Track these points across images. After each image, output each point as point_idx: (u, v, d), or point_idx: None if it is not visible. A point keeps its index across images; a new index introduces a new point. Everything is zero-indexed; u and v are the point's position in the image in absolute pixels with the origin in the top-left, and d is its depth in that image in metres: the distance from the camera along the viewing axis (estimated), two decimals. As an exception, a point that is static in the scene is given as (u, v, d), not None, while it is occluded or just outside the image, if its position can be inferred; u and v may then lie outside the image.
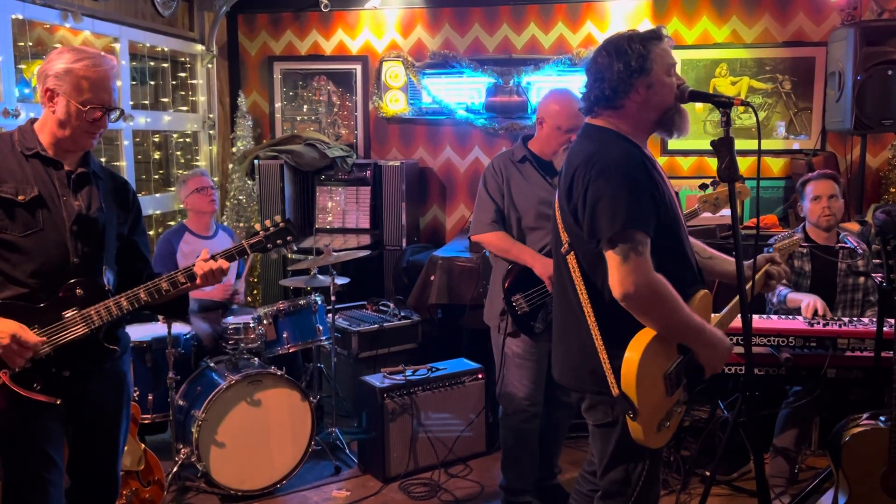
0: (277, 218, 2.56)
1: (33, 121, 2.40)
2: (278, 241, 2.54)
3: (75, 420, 2.41)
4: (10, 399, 2.24)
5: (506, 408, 3.49)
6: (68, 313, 2.30)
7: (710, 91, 5.21)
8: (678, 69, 5.26)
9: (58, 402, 2.30)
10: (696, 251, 2.55)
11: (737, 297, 2.48)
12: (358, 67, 5.60)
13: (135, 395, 3.87)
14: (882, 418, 2.82)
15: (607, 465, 2.39)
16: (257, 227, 2.55)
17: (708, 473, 3.69)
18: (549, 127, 3.36)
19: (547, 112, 3.38)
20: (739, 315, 2.39)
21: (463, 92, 5.45)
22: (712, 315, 2.47)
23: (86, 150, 2.42)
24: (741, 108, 5.16)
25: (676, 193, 2.51)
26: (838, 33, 4.71)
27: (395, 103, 5.54)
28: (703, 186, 3.41)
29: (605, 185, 2.16)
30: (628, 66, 2.22)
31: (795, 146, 5.19)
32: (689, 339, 2.25)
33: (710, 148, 2.35)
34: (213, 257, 2.47)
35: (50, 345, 2.27)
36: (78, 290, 2.32)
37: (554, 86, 5.27)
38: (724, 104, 2.32)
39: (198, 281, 2.43)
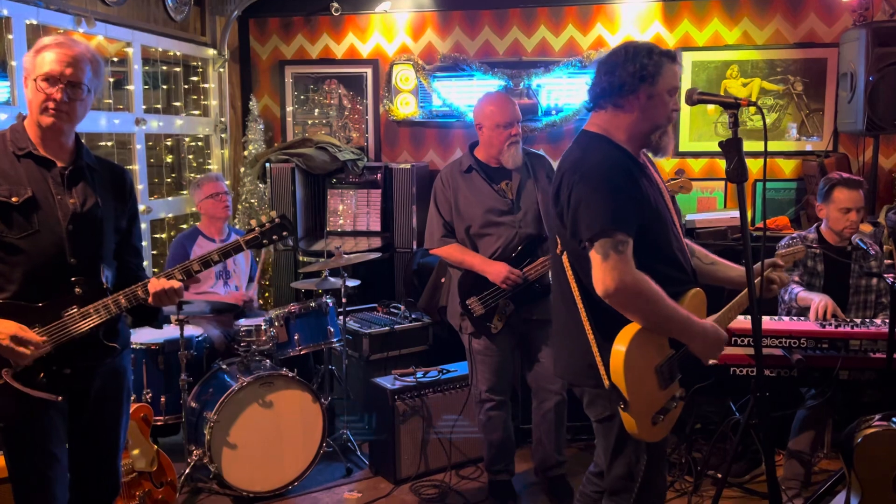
0: (273, 213, 2.58)
1: (24, 118, 2.38)
2: (274, 237, 2.55)
3: (77, 416, 2.43)
4: (12, 397, 2.26)
5: (476, 398, 3.75)
6: (68, 312, 2.31)
7: (722, 93, 5.21)
8: (689, 71, 5.29)
9: (59, 399, 2.32)
10: (697, 256, 2.63)
11: (737, 297, 2.53)
12: (368, 71, 5.62)
13: (147, 396, 3.91)
14: (895, 419, 2.80)
15: (610, 461, 2.45)
16: (253, 223, 2.56)
17: (720, 475, 3.68)
18: (489, 128, 3.55)
19: (483, 115, 3.57)
20: (749, 316, 2.40)
21: (473, 95, 5.41)
22: (713, 316, 2.49)
23: (72, 133, 2.38)
24: (752, 110, 5.17)
25: (673, 196, 2.54)
26: (850, 34, 4.69)
27: (405, 106, 5.55)
28: (679, 172, 3.56)
29: (586, 187, 2.27)
30: (639, 70, 2.31)
31: (808, 147, 5.16)
32: (674, 332, 2.32)
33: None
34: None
35: (51, 343, 2.28)
36: (77, 289, 2.33)
37: (563, 88, 5.35)
38: (731, 105, 2.33)
39: (150, 300, 2.41)
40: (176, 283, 2.41)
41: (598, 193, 2.24)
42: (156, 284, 2.39)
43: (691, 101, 2.42)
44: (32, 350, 2.23)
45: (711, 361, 2.44)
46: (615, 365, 2.23)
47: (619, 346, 2.23)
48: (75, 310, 2.32)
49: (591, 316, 2.33)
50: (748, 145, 5.14)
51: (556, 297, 2.53)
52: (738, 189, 2.36)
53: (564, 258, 2.40)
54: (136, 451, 3.39)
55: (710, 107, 5.16)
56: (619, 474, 2.43)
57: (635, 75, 2.30)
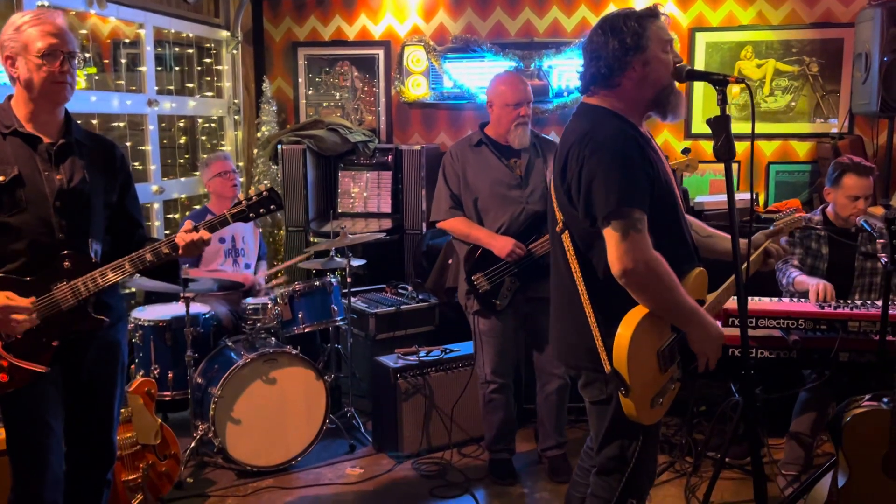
0: (262, 186, 2.59)
1: (10, 97, 2.41)
2: (261, 210, 2.55)
3: (71, 389, 2.48)
4: (4, 369, 2.31)
5: (480, 379, 3.77)
6: (57, 286, 2.36)
7: (735, 73, 5.14)
8: (703, 51, 5.22)
9: (46, 370, 2.35)
10: (694, 229, 2.57)
11: (726, 282, 2.48)
12: (380, 52, 5.63)
13: (155, 372, 3.99)
14: (885, 399, 2.78)
15: (602, 441, 2.41)
16: (241, 196, 2.58)
17: (719, 457, 3.67)
18: (498, 106, 3.61)
19: (494, 93, 3.64)
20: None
21: (484, 76, 5.40)
22: (708, 295, 2.46)
23: (62, 108, 2.41)
24: (766, 91, 5.10)
25: (674, 171, 2.51)
26: (865, 14, 4.60)
27: (416, 88, 5.56)
28: (686, 151, 3.60)
29: (599, 163, 2.17)
30: (623, 43, 2.23)
31: (834, 130, 5.06)
32: (680, 319, 2.26)
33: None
34: (195, 228, 2.49)
35: (38, 313, 2.32)
36: (66, 263, 2.37)
37: (575, 69, 5.31)
38: (719, 82, 2.29)
39: (180, 252, 2.45)
40: (206, 234, 2.47)
41: (612, 169, 2.15)
42: (184, 237, 2.45)
43: (680, 78, 2.40)
44: (23, 318, 2.28)
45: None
46: (619, 350, 2.16)
47: (624, 332, 2.15)
48: (64, 283, 2.36)
49: (592, 297, 2.26)
50: (762, 126, 5.11)
51: (554, 277, 2.47)
52: (725, 167, 2.34)
53: (565, 237, 2.32)
54: (145, 427, 3.44)
55: (735, 88, 5.10)
56: (611, 455, 2.40)
57: (622, 50, 2.21)
